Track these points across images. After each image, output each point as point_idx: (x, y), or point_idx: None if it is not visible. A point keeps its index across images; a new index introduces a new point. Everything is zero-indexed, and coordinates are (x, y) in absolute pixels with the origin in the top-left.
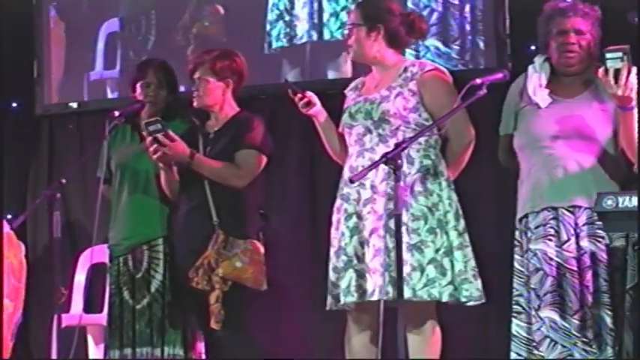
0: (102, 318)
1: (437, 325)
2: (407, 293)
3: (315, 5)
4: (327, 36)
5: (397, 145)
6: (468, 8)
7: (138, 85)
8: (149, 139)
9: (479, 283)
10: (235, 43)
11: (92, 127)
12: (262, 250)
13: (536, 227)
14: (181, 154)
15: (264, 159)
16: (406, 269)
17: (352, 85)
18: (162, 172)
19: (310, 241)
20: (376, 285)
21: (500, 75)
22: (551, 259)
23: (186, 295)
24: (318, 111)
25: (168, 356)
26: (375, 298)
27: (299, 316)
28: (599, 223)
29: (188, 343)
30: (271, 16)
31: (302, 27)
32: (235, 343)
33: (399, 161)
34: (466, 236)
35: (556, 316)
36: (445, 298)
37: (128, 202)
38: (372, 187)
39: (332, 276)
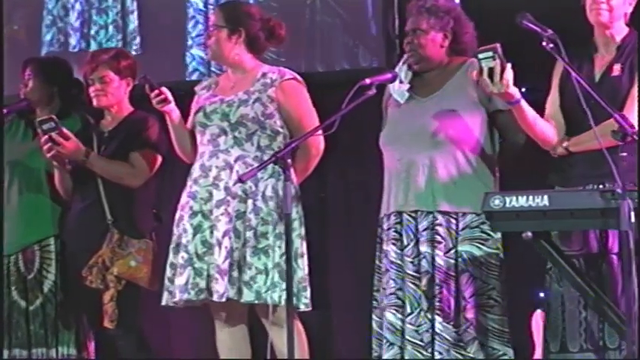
0: None
1: (297, 319)
2: (250, 296)
3: (86, 16)
4: (95, 47)
5: (287, 145)
6: None
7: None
8: (43, 137)
9: (309, 291)
10: (37, 48)
11: None
12: (155, 249)
13: (388, 229)
14: (76, 152)
15: (159, 158)
16: (251, 272)
17: (204, 83)
18: (56, 170)
19: None
20: (226, 286)
21: (389, 75)
22: (392, 262)
23: (79, 294)
24: (172, 108)
25: (62, 356)
26: (224, 299)
27: (190, 316)
28: (439, 228)
29: (81, 342)
30: (46, 21)
31: (75, 36)
32: (127, 342)
33: (289, 160)
34: (304, 243)
35: (392, 318)
36: (284, 303)
37: (19, 201)
38: (226, 188)
39: (169, 272)
